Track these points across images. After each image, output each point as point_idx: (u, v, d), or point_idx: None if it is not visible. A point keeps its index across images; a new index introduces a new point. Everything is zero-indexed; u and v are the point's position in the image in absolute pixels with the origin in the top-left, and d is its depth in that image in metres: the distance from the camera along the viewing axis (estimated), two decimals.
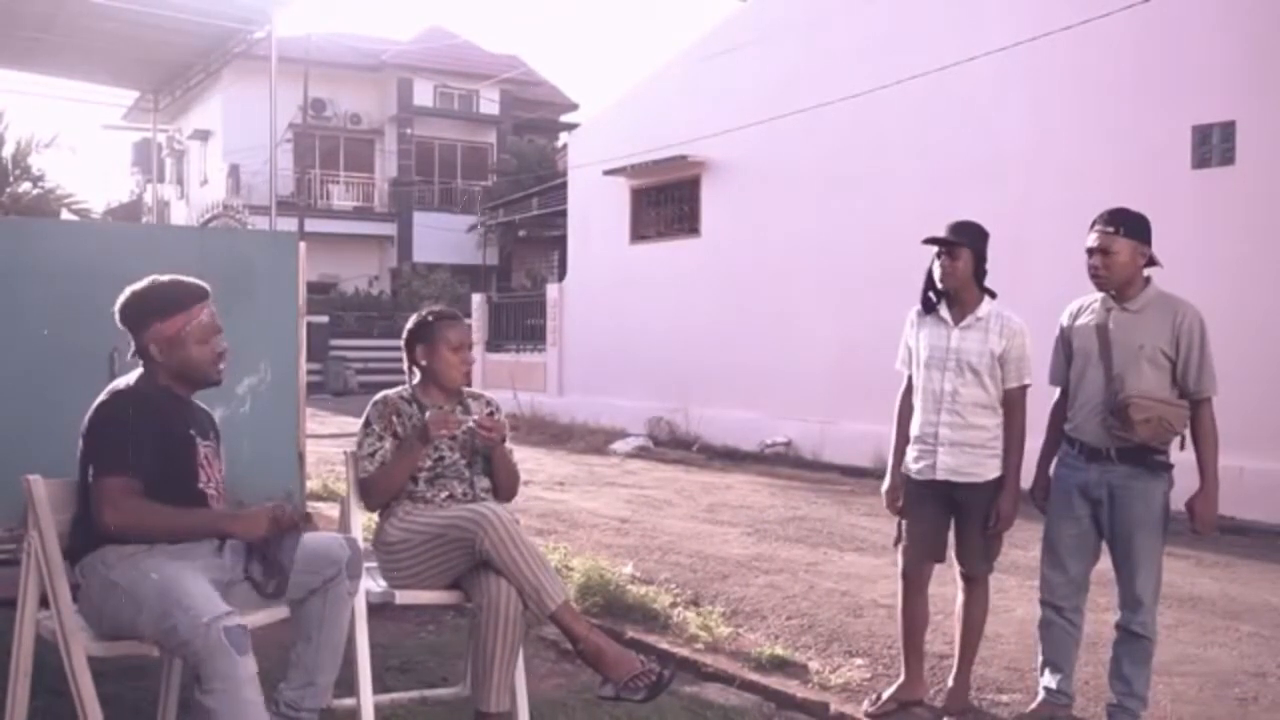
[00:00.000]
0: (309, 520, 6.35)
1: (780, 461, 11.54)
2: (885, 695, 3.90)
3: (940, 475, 3.76)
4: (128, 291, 2.94)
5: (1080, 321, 3.73)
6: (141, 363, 2.92)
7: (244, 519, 2.83)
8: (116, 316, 2.92)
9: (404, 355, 3.52)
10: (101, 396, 2.86)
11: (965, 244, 3.71)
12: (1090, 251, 3.59)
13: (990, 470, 3.73)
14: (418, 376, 3.50)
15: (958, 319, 3.77)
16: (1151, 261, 3.61)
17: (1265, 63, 8.03)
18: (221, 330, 2.95)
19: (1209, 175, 8.32)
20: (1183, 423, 3.54)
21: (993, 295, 3.80)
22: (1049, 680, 3.75)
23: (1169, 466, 3.59)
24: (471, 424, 3.33)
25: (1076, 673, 3.90)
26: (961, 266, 3.71)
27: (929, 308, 3.85)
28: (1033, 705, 3.77)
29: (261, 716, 2.62)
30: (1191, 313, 3.54)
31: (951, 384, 3.74)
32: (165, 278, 2.97)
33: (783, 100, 11.88)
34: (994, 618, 4.49)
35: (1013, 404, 3.74)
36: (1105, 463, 3.60)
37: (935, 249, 3.79)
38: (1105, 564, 3.73)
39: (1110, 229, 3.55)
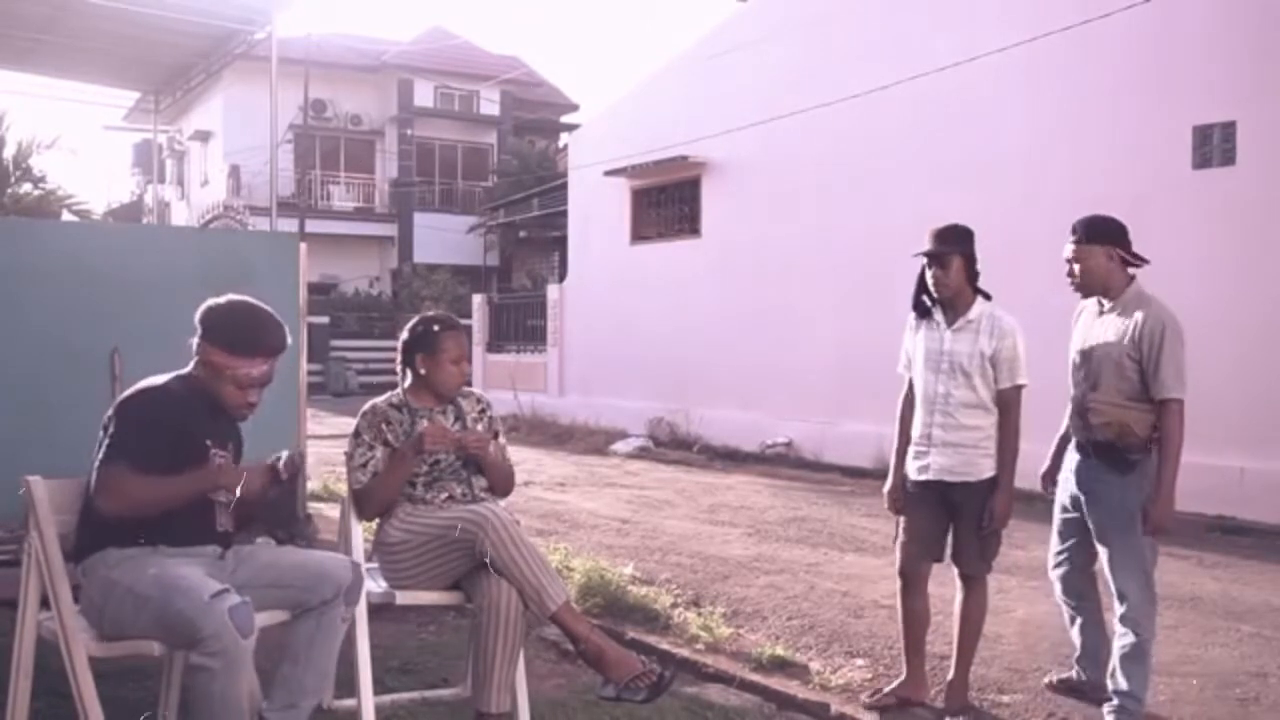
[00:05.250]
0: (309, 522, 6.35)
1: (781, 462, 11.53)
2: (886, 690, 3.94)
3: (935, 476, 3.80)
4: (224, 302, 2.95)
5: (1079, 321, 3.86)
6: (196, 358, 2.93)
7: (240, 473, 2.84)
8: (201, 309, 2.94)
9: (399, 359, 3.51)
10: (130, 389, 2.89)
11: (955, 252, 3.75)
12: (1067, 263, 3.73)
13: (984, 470, 3.75)
14: (409, 379, 3.49)
15: (950, 322, 3.81)
16: (1132, 261, 3.69)
17: (1266, 63, 8.02)
18: (269, 382, 2.95)
19: (1209, 175, 8.31)
20: (1144, 426, 3.60)
21: (987, 296, 3.82)
22: (1082, 670, 3.95)
23: (1137, 464, 3.62)
24: (460, 438, 3.36)
25: (1076, 673, 3.97)
26: (954, 274, 3.75)
27: (923, 312, 3.89)
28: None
29: (253, 683, 2.64)
30: (1155, 314, 3.59)
31: (944, 386, 3.79)
32: (260, 312, 2.96)
33: (783, 100, 11.88)
34: (994, 618, 4.49)
35: (1006, 404, 3.75)
36: (1086, 458, 3.74)
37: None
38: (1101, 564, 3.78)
39: (1074, 237, 3.70)
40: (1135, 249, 3.75)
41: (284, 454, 2.93)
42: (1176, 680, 4.24)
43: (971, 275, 3.78)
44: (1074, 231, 3.75)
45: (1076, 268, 3.73)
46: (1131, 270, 3.74)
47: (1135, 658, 3.60)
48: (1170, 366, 3.55)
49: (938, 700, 3.91)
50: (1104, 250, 3.67)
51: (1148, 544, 3.62)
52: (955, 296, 3.78)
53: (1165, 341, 3.56)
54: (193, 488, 2.79)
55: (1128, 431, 3.60)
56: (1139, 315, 3.61)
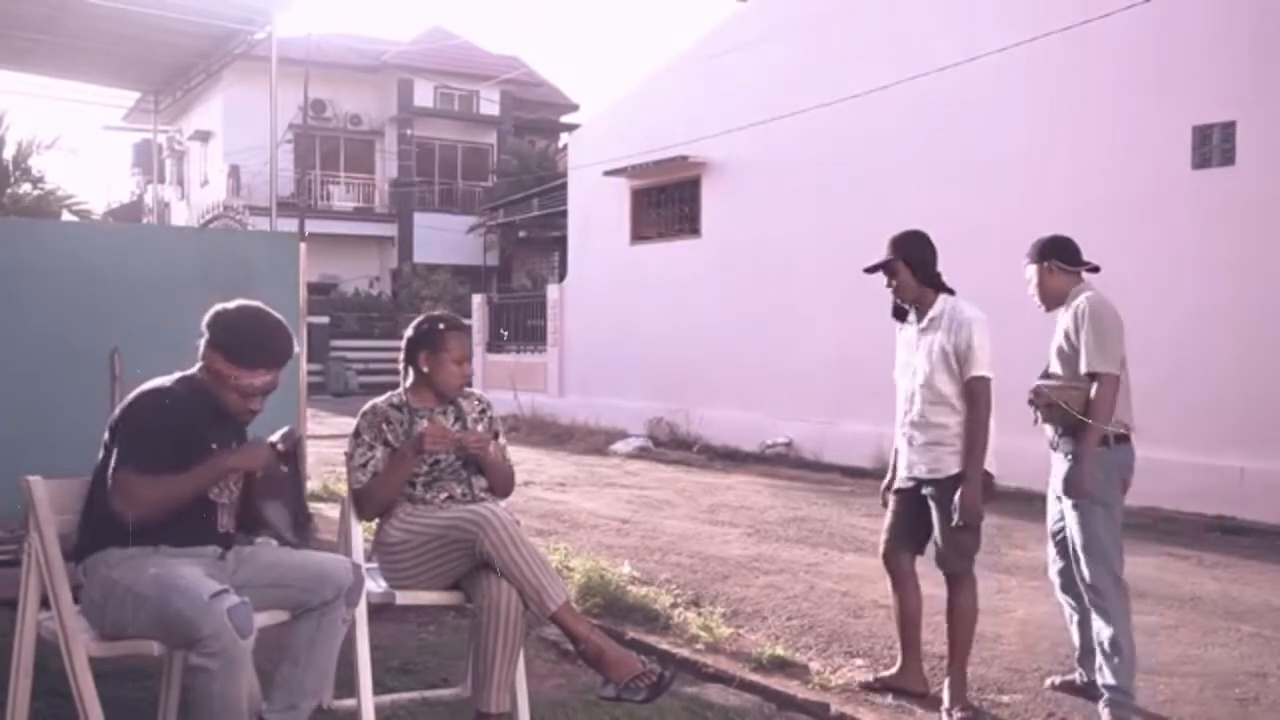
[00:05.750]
0: (311, 521, 6.34)
1: (781, 462, 11.53)
2: (879, 675, 4.08)
3: (913, 474, 3.93)
4: (233, 309, 2.93)
5: None
6: (201, 361, 2.93)
7: (244, 453, 2.88)
8: (209, 315, 2.93)
9: (402, 356, 3.51)
10: (133, 393, 2.88)
11: (896, 258, 3.90)
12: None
13: (950, 467, 3.80)
14: (411, 378, 3.48)
15: (919, 322, 3.95)
16: (1072, 270, 3.95)
17: (1266, 63, 8.02)
18: (273, 390, 2.95)
19: (1209, 175, 8.31)
20: (1080, 403, 3.74)
21: (950, 292, 3.93)
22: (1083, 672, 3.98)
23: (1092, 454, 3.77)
24: (460, 439, 3.35)
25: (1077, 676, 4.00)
26: (903, 280, 3.92)
27: (902, 315, 4.05)
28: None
29: (253, 683, 2.65)
30: (1083, 299, 3.83)
31: (912, 385, 3.93)
32: (267, 322, 2.94)
33: (783, 100, 11.87)
34: (994, 618, 4.49)
35: (971, 396, 3.80)
36: (1053, 453, 3.92)
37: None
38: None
39: (1025, 261, 4.03)
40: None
41: (282, 430, 2.97)
42: (1176, 680, 4.24)
43: (924, 276, 3.90)
44: (1026, 255, 4.06)
45: (1031, 287, 4.02)
46: (1088, 275, 3.97)
47: (1112, 650, 3.68)
48: (1093, 342, 3.74)
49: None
50: (1044, 266, 3.97)
51: (1108, 532, 3.73)
52: (917, 299, 3.92)
53: (1087, 319, 3.76)
54: (201, 479, 2.80)
55: (1068, 410, 3.74)
56: (1071, 304, 3.87)
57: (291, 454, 2.97)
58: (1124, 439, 3.82)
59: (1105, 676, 3.69)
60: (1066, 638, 4.17)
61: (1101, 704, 3.69)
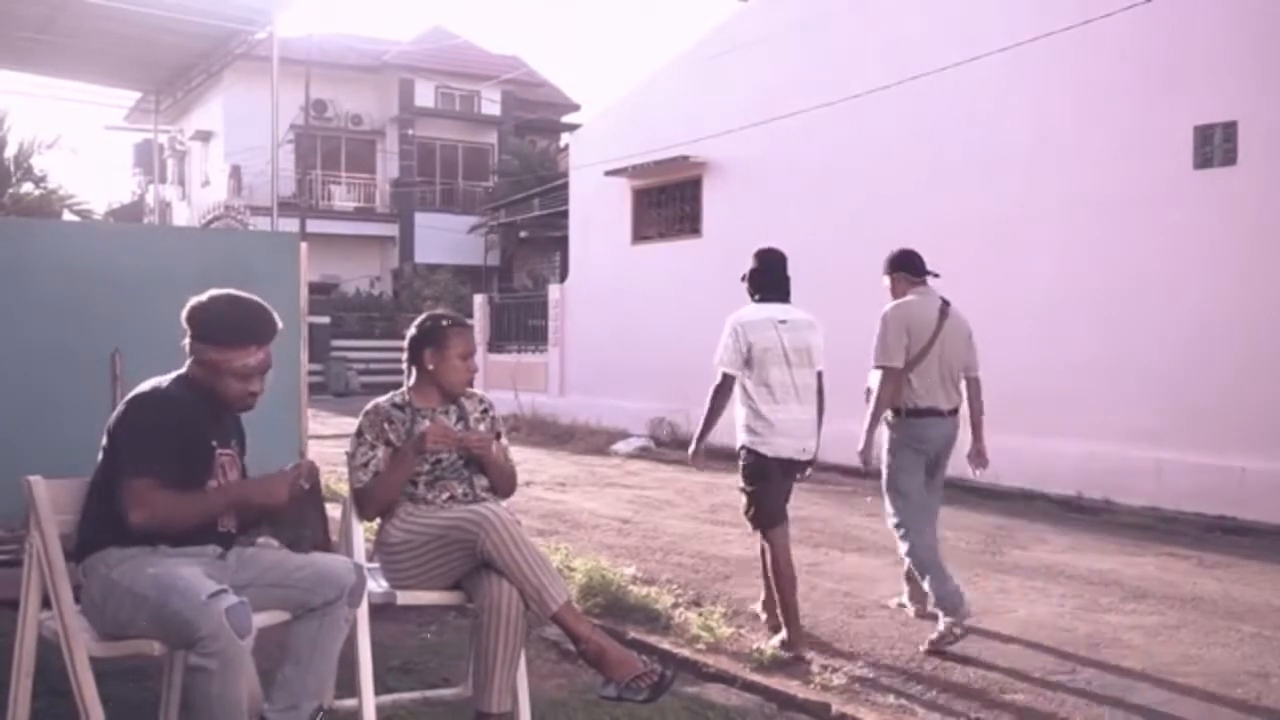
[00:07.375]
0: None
1: None
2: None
3: None
4: (207, 299, 2.92)
5: None
6: (190, 359, 2.92)
7: (264, 487, 2.89)
8: (185, 310, 2.91)
9: (405, 355, 3.50)
10: (131, 395, 2.86)
11: None
12: None
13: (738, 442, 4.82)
14: (413, 378, 3.48)
15: None
16: (913, 278, 4.75)
17: (1268, 62, 8.01)
18: (269, 369, 2.94)
19: (1211, 175, 8.30)
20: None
21: (764, 300, 4.96)
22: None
23: (890, 423, 4.89)
24: (462, 438, 3.36)
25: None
26: None
27: None
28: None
29: (253, 683, 2.65)
30: (886, 307, 4.73)
31: None
32: (244, 302, 2.93)
33: (783, 100, 11.87)
34: (995, 618, 4.50)
35: None
36: None
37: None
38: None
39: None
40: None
41: (292, 465, 2.99)
42: (1178, 680, 4.24)
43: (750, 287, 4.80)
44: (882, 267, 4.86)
45: (887, 294, 4.83)
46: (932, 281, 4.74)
47: (919, 571, 4.51)
48: (877, 342, 4.72)
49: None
50: (895, 278, 4.83)
51: (894, 480, 4.75)
52: None
53: (880, 322, 4.68)
54: (218, 505, 2.83)
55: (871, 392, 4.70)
56: None
57: (314, 483, 3.01)
58: (920, 414, 4.66)
59: (931, 597, 4.40)
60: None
61: (941, 620, 4.35)
